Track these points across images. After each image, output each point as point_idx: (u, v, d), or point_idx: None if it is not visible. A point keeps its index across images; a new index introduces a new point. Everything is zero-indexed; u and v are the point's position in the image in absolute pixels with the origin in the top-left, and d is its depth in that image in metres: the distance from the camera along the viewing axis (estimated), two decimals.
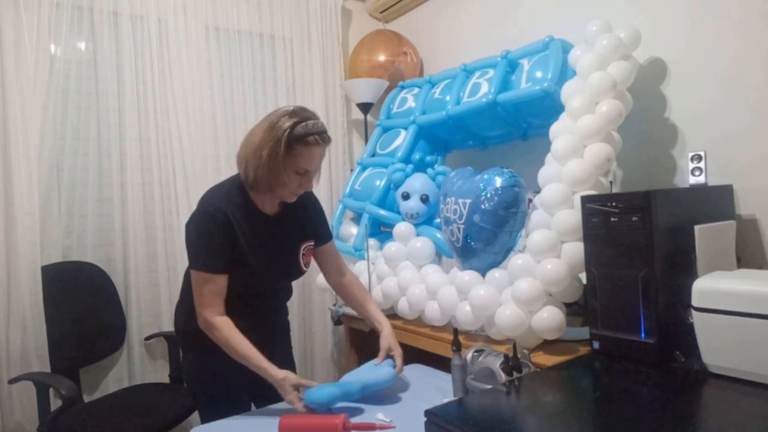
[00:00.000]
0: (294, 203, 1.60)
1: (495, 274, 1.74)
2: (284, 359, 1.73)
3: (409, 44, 2.99)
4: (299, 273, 1.68)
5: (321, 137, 1.51)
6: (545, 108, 1.92)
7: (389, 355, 1.61)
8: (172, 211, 2.46)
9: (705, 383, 1.21)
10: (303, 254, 1.65)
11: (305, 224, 1.67)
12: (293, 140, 1.45)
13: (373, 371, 1.54)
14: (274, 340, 1.69)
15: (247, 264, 1.52)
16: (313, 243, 1.69)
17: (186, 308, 1.59)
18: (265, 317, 1.66)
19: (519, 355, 1.36)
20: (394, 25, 3.21)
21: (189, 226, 1.52)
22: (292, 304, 2.76)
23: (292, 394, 1.44)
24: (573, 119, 1.69)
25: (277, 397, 1.51)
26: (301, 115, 1.50)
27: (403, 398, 1.54)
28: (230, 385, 1.59)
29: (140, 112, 2.41)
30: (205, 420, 1.57)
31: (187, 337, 1.62)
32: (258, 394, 1.65)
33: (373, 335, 2.16)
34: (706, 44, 1.78)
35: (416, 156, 2.40)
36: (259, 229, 1.55)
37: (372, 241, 2.26)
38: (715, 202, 1.61)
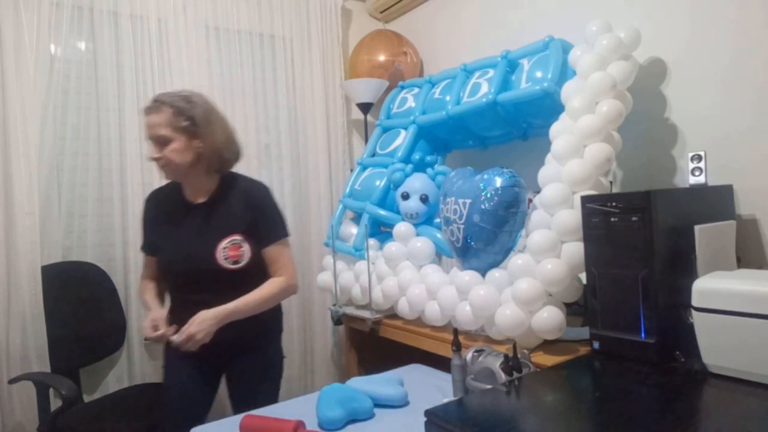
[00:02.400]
0: (225, 194, 1.64)
1: (495, 274, 1.74)
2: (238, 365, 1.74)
3: (409, 44, 2.99)
4: (216, 267, 1.59)
5: (147, 106, 1.59)
6: (545, 108, 1.92)
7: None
8: None
9: (705, 383, 1.21)
10: (225, 248, 1.59)
11: (233, 217, 1.62)
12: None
13: (384, 387, 1.53)
14: (234, 347, 1.69)
15: (160, 251, 1.65)
16: (239, 238, 1.61)
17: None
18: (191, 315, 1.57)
19: (519, 355, 1.36)
20: (394, 25, 3.21)
21: None
22: (292, 305, 2.78)
23: (147, 322, 1.58)
24: (573, 119, 1.69)
25: (251, 378, 1.69)
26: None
27: None
28: (203, 368, 1.70)
29: (140, 112, 2.40)
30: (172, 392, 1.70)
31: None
32: (231, 382, 1.77)
33: (373, 335, 2.16)
34: (706, 44, 1.78)
35: (416, 156, 2.40)
36: (175, 215, 1.64)
37: (372, 241, 2.26)
38: (715, 202, 1.61)
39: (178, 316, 1.59)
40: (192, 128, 1.58)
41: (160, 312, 1.62)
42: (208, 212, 1.61)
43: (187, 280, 1.63)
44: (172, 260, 1.64)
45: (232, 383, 1.78)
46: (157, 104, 1.56)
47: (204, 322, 1.53)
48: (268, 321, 1.78)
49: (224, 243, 1.59)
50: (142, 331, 1.57)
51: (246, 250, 1.62)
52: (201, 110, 1.61)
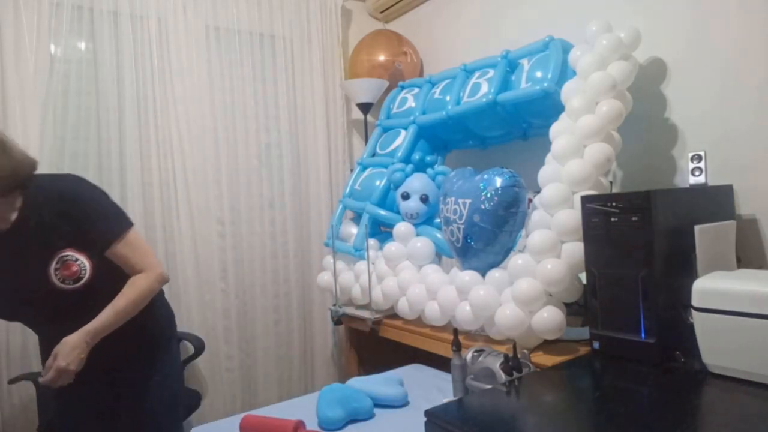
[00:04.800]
0: (32, 210, 1.33)
1: (495, 274, 1.74)
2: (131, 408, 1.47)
3: (409, 44, 2.99)
4: (57, 291, 1.34)
5: None
6: (545, 108, 1.92)
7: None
8: (172, 212, 2.46)
9: (705, 383, 1.21)
10: (56, 269, 1.34)
11: (54, 232, 1.34)
12: None
13: (384, 387, 1.53)
14: (128, 360, 1.46)
15: None
16: (69, 253, 1.35)
17: None
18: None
19: (519, 355, 1.36)
20: (394, 25, 3.21)
21: None
22: (292, 305, 2.78)
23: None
24: (573, 119, 1.69)
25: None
26: None
27: None
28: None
29: (140, 112, 2.41)
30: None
31: None
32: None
33: (373, 335, 2.16)
34: (706, 44, 1.78)
35: (416, 156, 2.40)
36: None
37: (372, 241, 2.26)
38: (715, 202, 1.61)
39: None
40: None
41: None
42: (21, 236, 1.33)
43: (36, 315, 1.38)
44: (10, 298, 1.37)
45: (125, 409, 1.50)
46: None
47: (70, 350, 1.29)
48: (152, 328, 1.53)
49: (53, 264, 1.34)
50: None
51: (83, 263, 1.36)
52: None
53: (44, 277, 1.33)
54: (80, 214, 1.36)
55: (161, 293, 1.57)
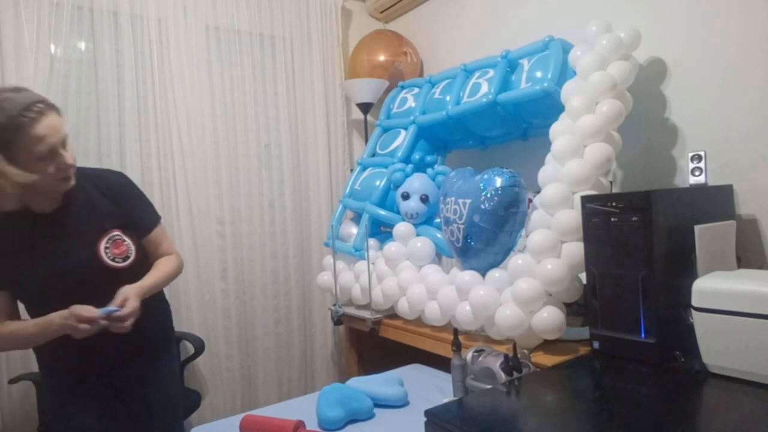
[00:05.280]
0: (84, 192, 1.40)
1: (495, 274, 1.74)
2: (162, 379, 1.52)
3: (409, 44, 2.99)
4: (108, 269, 1.40)
5: (35, 110, 1.23)
6: (545, 108, 1.92)
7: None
8: (171, 211, 2.46)
9: (705, 383, 1.21)
10: (107, 247, 1.41)
11: (103, 213, 1.43)
12: (9, 134, 1.21)
13: (384, 387, 1.53)
14: (127, 359, 1.48)
15: (31, 272, 1.34)
16: (118, 233, 1.43)
17: None
18: (105, 332, 1.32)
19: (519, 355, 1.36)
20: (394, 25, 3.21)
21: None
22: (292, 305, 2.78)
23: (74, 311, 1.28)
24: (573, 119, 1.69)
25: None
26: None
27: None
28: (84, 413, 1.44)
29: (140, 112, 2.41)
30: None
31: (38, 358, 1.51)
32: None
33: (373, 335, 2.16)
34: (706, 44, 1.78)
35: (416, 156, 2.40)
36: (26, 233, 1.35)
37: (372, 241, 2.26)
38: (715, 202, 1.61)
39: (72, 342, 1.31)
40: None
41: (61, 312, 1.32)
42: (69, 215, 1.39)
43: (74, 296, 1.36)
44: (50, 281, 1.37)
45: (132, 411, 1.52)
46: (49, 104, 1.28)
47: (135, 296, 1.35)
48: (152, 327, 1.54)
49: (104, 243, 1.41)
50: (80, 323, 1.27)
51: (130, 244, 1.45)
52: None
53: (95, 256, 1.39)
54: (128, 200, 1.48)
55: (162, 292, 1.58)
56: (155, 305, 1.53)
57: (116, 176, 1.52)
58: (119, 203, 1.46)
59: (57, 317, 1.29)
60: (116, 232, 1.44)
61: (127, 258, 1.44)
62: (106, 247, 1.41)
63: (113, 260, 1.41)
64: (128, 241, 1.45)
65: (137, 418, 1.49)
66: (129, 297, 1.33)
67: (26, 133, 1.21)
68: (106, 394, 1.47)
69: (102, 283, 1.38)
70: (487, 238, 1.76)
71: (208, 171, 2.54)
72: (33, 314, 1.37)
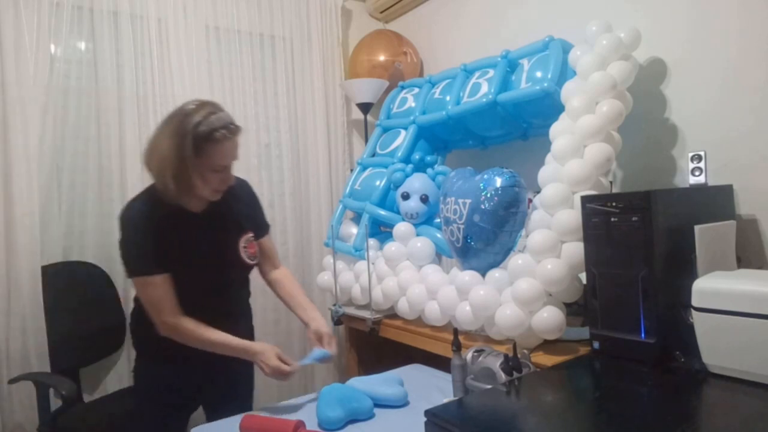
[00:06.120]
0: (226, 196, 1.55)
1: (495, 274, 1.74)
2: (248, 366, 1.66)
3: (409, 44, 2.99)
4: (244, 267, 1.62)
5: (228, 130, 1.43)
6: (545, 108, 1.92)
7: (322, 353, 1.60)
8: None
9: (705, 383, 1.21)
10: (244, 247, 1.60)
11: (241, 216, 1.62)
12: (200, 141, 1.39)
13: (384, 387, 1.52)
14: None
15: (182, 264, 1.48)
16: (252, 235, 1.64)
17: (136, 316, 1.63)
18: (221, 322, 1.52)
19: (519, 355, 1.36)
20: (394, 25, 3.21)
21: (119, 242, 1.50)
22: None
23: (276, 361, 1.48)
24: (573, 119, 1.69)
25: (225, 399, 1.60)
26: (203, 111, 1.41)
27: None
28: (181, 392, 1.59)
29: (140, 112, 2.41)
30: (148, 423, 1.59)
31: (140, 344, 1.64)
32: (207, 401, 1.68)
33: (373, 335, 2.16)
34: (706, 44, 1.78)
35: (416, 156, 2.40)
36: (186, 228, 1.51)
37: (372, 241, 2.26)
38: (715, 202, 1.61)
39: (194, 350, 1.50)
40: None
41: (262, 344, 1.55)
42: (217, 217, 1.57)
43: (215, 286, 1.57)
44: (202, 270, 1.53)
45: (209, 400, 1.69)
46: (238, 126, 1.48)
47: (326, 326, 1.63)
48: (250, 321, 1.77)
49: (242, 242, 1.60)
50: (285, 371, 1.48)
51: (256, 245, 1.65)
52: None
53: (236, 253, 1.58)
54: (257, 205, 1.71)
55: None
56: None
57: (245, 182, 1.70)
58: (251, 207, 1.67)
59: (260, 354, 1.50)
60: (251, 234, 1.63)
61: (255, 257, 1.64)
62: (244, 247, 1.60)
63: (249, 258, 1.61)
64: (255, 242, 1.65)
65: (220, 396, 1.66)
66: (332, 335, 1.60)
67: (217, 147, 1.41)
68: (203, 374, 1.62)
69: (237, 278, 1.63)
70: (487, 238, 1.76)
71: None
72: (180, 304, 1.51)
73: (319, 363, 1.57)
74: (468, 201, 1.80)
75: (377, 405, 1.47)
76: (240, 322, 1.67)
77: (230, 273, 1.60)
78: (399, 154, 2.38)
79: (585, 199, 1.47)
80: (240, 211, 1.62)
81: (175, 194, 1.44)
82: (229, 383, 1.67)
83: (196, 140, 1.38)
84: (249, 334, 1.72)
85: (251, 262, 1.63)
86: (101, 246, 2.35)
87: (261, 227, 1.69)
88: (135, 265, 1.48)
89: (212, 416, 1.62)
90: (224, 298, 1.61)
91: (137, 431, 1.64)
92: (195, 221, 1.53)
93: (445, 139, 2.48)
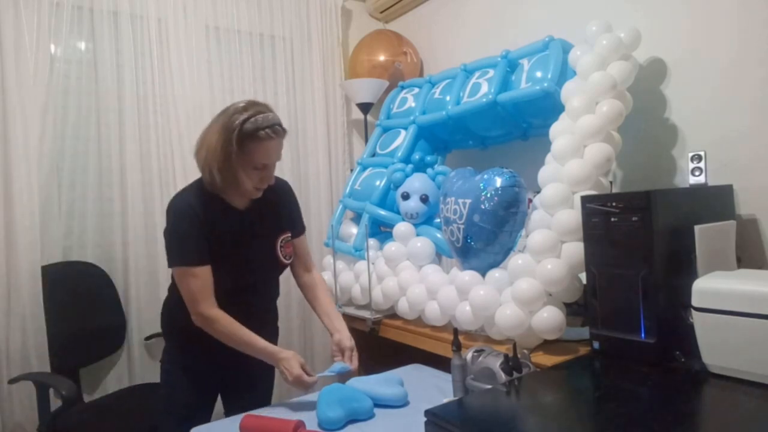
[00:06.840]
0: (268, 195, 1.59)
1: (495, 274, 1.74)
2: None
3: (409, 44, 2.99)
4: (280, 266, 1.67)
5: (273, 131, 1.48)
6: (545, 108, 1.92)
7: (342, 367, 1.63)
8: None
9: (705, 383, 1.21)
10: (281, 246, 1.64)
11: (281, 216, 1.66)
12: (245, 137, 1.44)
13: (384, 387, 1.52)
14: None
15: (222, 258, 1.52)
16: (290, 235, 1.67)
17: (170, 306, 1.65)
18: (251, 319, 1.55)
19: (519, 355, 1.36)
20: (394, 25, 3.21)
21: (165, 231, 1.54)
22: (292, 305, 2.78)
23: (299, 370, 1.50)
24: (573, 119, 1.69)
25: (245, 391, 1.66)
26: (251, 110, 1.46)
27: None
28: (203, 382, 1.63)
29: (140, 112, 2.41)
30: (170, 410, 1.62)
31: (172, 334, 1.67)
32: (227, 391, 1.71)
33: (373, 335, 2.16)
34: (706, 44, 1.78)
35: (416, 156, 2.40)
36: (230, 223, 1.55)
37: (372, 241, 2.26)
38: (715, 202, 1.61)
39: (220, 347, 1.53)
40: None
41: (288, 351, 1.55)
42: (259, 215, 1.60)
43: (257, 287, 1.63)
44: (244, 266, 1.57)
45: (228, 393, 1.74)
46: (284, 129, 1.55)
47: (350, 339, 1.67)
48: (276, 321, 1.80)
49: (280, 242, 1.64)
50: (306, 382, 1.50)
51: (292, 245, 1.69)
52: None
53: (274, 251, 1.62)
54: (294, 206, 1.73)
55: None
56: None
57: (286, 182, 1.73)
58: (290, 208, 1.70)
59: (285, 360, 1.51)
60: (288, 234, 1.67)
61: (290, 257, 1.68)
62: (281, 246, 1.64)
63: (285, 258, 1.65)
64: (291, 243, 1.69)
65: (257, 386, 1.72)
66: (354, 349, 1.64)
67: (260, 145, 1.45)
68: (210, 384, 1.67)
69: (271, 276, 1.68)
70: (487, 238, 1.76)
71: None
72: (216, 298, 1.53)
73: (339, 377, 1.58)
74: (468, 201, 1.80)
75: (377, 405, 1.47)
76: (267, 321, 1.71)
77: (266, 270, 1.64)
78: (399, 154, 2.38)
79: (585, 199, 1.47)
80: (280, 211, 1.66)
81: (220, 186, 1.49)
82: (250, 378, 1.69)
83: (241, 136, 1.43)
84: (274, 335, 1.75)
85: (287, 261, 1.67)
86: (101, 246, 2.35)
87: (298, 227, 1.73)
88: (178, 255, 1.51)
89: (231, 410, 1.66)
90: (256, 294, 1.64)
91: (166, 416, 1.65)
92: (238, 217, 1.57)
93: (445, 139, 2.48)
